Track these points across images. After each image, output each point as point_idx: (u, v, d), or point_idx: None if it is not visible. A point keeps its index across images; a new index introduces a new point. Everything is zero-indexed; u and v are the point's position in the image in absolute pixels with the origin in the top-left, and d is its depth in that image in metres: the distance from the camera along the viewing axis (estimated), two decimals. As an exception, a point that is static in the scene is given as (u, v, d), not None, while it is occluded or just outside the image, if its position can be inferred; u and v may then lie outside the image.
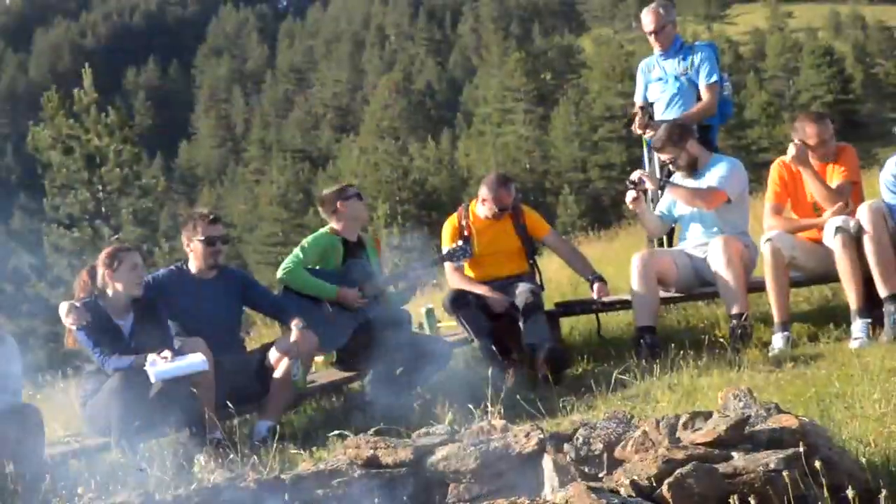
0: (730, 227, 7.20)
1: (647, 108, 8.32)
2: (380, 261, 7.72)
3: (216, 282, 6.94)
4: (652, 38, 8.37)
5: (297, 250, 7.40)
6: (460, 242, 7.49)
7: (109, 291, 6.45)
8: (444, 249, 7.59)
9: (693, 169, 7.36)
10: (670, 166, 7.52)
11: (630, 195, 7.38)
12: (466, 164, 73.31)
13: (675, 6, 8.78)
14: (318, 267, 7.34)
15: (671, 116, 8.13)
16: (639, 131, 8.41)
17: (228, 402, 6.25)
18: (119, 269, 6.41)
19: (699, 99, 8.18)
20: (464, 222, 7.72)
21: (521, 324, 7.23)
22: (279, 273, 7.31)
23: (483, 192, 7.72)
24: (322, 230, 7.60)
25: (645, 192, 7.51)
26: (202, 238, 6.86)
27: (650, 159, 8.35)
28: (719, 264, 6.83)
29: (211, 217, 6.98)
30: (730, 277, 6.80)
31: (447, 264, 7.68)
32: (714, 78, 8.14)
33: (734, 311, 6.80)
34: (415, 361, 7.02)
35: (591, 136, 72.52)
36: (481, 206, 7.72)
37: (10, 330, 6.40)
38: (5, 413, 5.76)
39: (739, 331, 6.64)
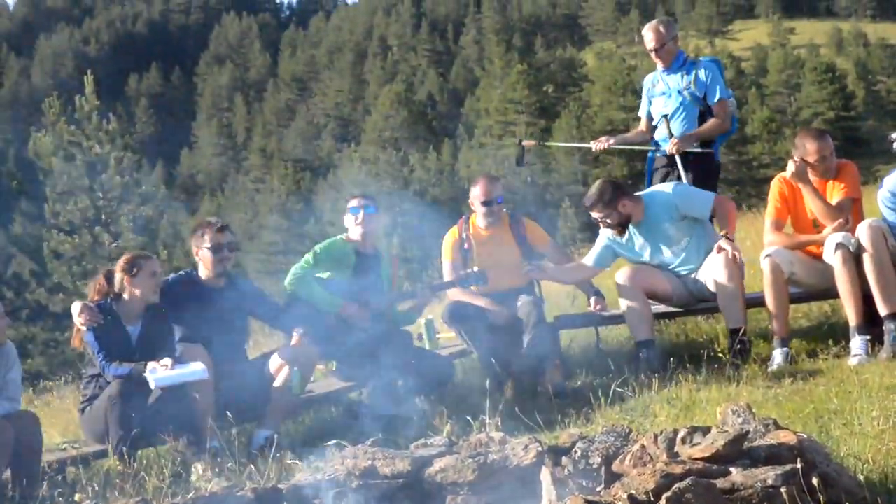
0: (710, 243, 7.14)
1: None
2: (392, 278, 7.70)
3: (224, 290, 6.95)
4: (653, 56, 8.40)
5: (308, 256, 7.39)
6: (476, 269, 7.46)
7: (126, 296, 6.48)
8: (459, 273, 7.55)
9: (625, 227, 7.26)
10: (600, 225, 7.37)
11: (527, 270, 7.42)
12: (467, 175, 73.12)
13: (677, 22, 8.84)
14: (327, 275, 7.33)
15: (676, 130, 8.17)
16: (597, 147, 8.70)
17: (227, 411, 6.26)
18: (138, 276, 6.45)
19: (702, 113, 8.22)
20: (464, 234, 7.71)
21: (524, 336, 7.23)
22: (287, 279, 7.31)
23: (473, 193, 7.74)
24: (337, 237, 7.59)
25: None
26: (209, 246, 6.88)
27: (670, 168, 8.39)
28: (721, 279, 6.82)
29: (219, 225, 6.99)
30: (731, 293, 6.80)
31: (446, 274, 7.68)
32: (720, 95, 8.18)
33: (733, 326, 6.81)
34: (416, 376, 7.02)
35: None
36: (479, 217, 7.72)
37: (9, 336, 6.39)
38: (4, 419, 5.76)
39: (738, 346, 6.65)
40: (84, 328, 6.30)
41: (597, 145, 8.71)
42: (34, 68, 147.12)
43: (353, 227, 7.49)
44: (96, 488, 5.28)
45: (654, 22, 8.57)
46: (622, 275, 7.14)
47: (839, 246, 6.45)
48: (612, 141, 8.78)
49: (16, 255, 25.05)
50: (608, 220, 7.22)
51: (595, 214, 7.27)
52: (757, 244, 7.45)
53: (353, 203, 7.54)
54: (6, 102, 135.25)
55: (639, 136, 8.75)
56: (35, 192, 24.40)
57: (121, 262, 6.58)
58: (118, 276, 6.51)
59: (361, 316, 7.19)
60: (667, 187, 7.44)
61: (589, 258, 7.57)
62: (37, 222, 24.63)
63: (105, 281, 6.59)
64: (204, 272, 6.99)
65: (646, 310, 7.12)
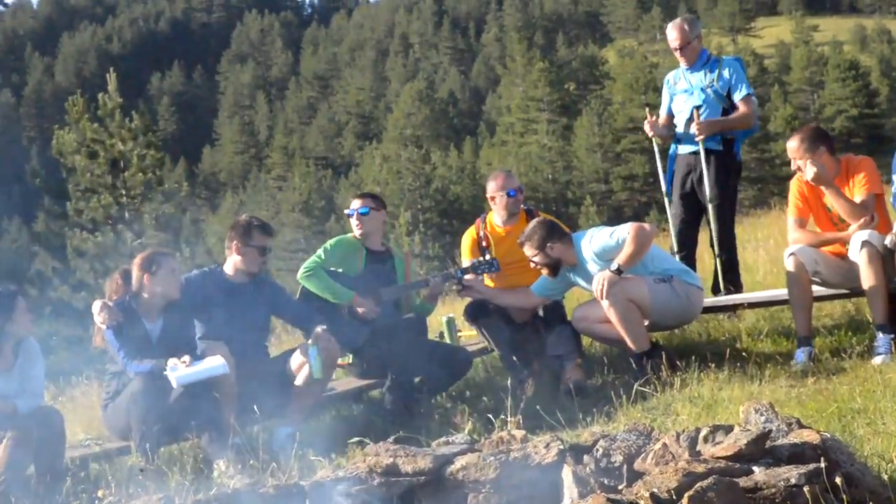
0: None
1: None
2: (405, 275, 7.69)
3: (248, 287, 6.96)
4: (677, 54, 8.35)
5: (319, 251, 7.43)
6: (488, 257, 7.46)
7: (145, 294, 6.47)
8: (471, 261, 7.56)
9: (555, 269, 7.10)
10: (531, 263, 7.20)
11: (460, 291, 7.43)
12: (488, 173, 73.32)
13: (700, 20, 8.76)
14: (340, 270, 7.35)
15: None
16: (650, 131, 8.56)
17: (250, 407, 6.28)
18: (158, 273, 6.45)
19: (725, 111, 8.17)
20: (482, 233, 7.72)
21: (544, 335, 7.23)
22: (300, 273, 7.33)
23: (490, 187, 7.76)
24: (348, 234, 7.62)
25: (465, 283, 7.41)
26: (257, 245, 6.90)
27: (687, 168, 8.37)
28: (609, 315, 6.75)
29: (268, 229, 7.03)
30: (618, 321, 6.68)
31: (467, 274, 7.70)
32: (745, 92, 8.13)
33: (634, 350, 6.72)
34: (434, 369, 7.03)
35: (613, 147, 72.49)
36: (496, 212, 7.73)
37: (32, 332, 6.42)
38: (27, 415, 5.80)
39: (637, 368, 6.61)
40: (104, 327, 6.32)
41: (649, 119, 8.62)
42: (57, 66, 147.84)
43: (354, 229, 7.51)
44: (119, 484, 5.30)
45: (677, 20, 8.49)
46: (575, 317, 7.13)
47: (865, 244, 6.39)
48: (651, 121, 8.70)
49: (39, 252, 25.20)
50: (535, 261, 7.10)
51: (525, 252, 7.16)
52: (780, 243, 7.41)
53: (350, 205, 7.56)
54: (30, 100, 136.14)
55: (664, 129, 8.65)
56: (58, 189, 24.50)
57: (138, 260, 6.55)
58: (136, 274, 6.49)
59: (372, 308, 7.18)
60: (587, 237, 7.14)
61: (534, 286, 7.37)
62: (60, 220, 24.75)
63: (121, 279, 6.58)
64: (232, 269, 6.98)
65: (610, 334, 6.98)
